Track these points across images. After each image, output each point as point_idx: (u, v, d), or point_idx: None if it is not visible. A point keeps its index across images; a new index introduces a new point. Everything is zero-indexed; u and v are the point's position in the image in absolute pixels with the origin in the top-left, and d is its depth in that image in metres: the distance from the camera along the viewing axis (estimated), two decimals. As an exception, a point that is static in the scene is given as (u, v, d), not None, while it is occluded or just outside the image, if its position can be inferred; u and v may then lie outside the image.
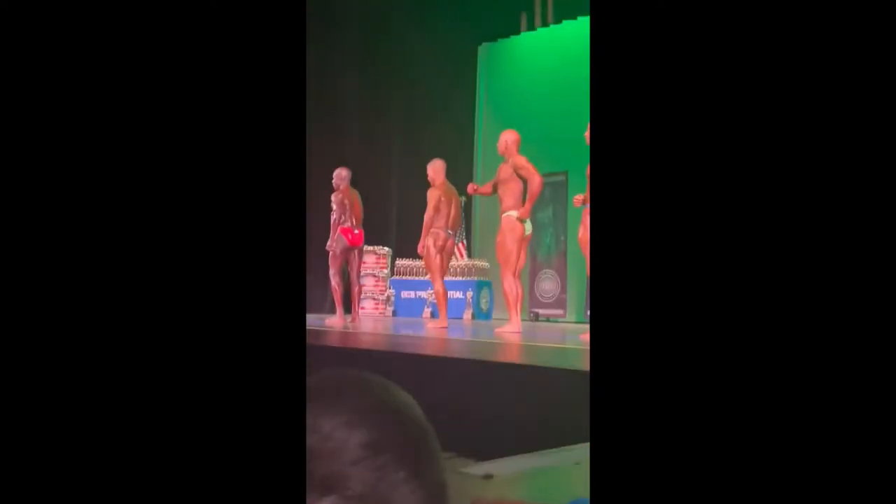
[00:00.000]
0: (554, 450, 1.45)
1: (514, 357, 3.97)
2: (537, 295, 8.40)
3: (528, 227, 5.12)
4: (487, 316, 8.04)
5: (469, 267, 8.14)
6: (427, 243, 5.55)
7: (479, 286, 8.04)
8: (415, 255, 7.45)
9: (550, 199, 8.01)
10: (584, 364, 3.82)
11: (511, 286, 5.03)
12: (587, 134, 4.81)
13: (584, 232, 4.67)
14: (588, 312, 7.65)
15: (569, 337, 5.26)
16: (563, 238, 8.28)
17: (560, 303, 8.36)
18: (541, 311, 8.37)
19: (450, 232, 5.63)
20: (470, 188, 5.79)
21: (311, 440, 0.51)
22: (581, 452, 1.56)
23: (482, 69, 9.74)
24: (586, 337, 4.63)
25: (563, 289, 8.34)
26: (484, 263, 8.21)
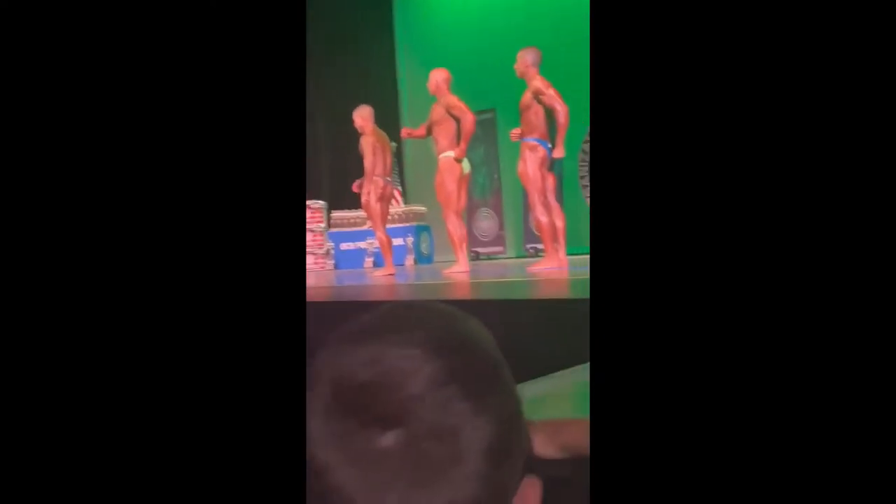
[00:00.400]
0: (557, 373, 1.48)
1: (466, 295, 4.01)
2: (475, 234, 8.45)
3: (467, 165, 5.11)
4: (429, 260, 8.06)
5: (406, 213, 8.11)
6: (367, 192, 5.49)
7: (419, 231, 8.03)
8: (350, 206, 7.36)
9: (481, 138, 8.00)
10: (537, 293, 3.89)
11: (455, 227, 5.04)
12: (517, 66, 4.79)
13: (523, 166, 4.70)
14: (527, 246, 7.78)
15: (515, 271, 5.33)
16: (496, 176, 8.31)
17: (499, 240, 8.44)
18: (480, 250, 8.45)
19: (388, 179, 5.57)
20: (404, 132, 5.71)
21: (372, 374, 0.49)
22: (583, 373, 1.59)
23: (399, 9, 9.54)
24: (534, 269, 4.70)
25: (501, 226, 8.42)
26: (421, 208, 8.19)
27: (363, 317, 0.55)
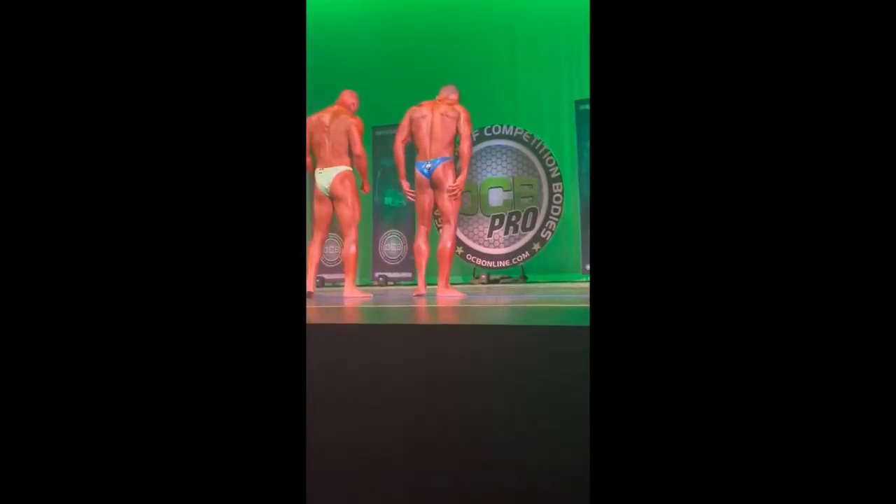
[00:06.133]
0: None
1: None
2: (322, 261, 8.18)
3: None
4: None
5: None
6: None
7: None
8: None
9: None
10: (417, 318, 3.78)
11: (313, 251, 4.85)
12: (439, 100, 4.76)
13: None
14: (375, 274, 7.65)
15: (404, 296, 5.17)
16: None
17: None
18: (326, 277, 8.18)
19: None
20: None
21: None
22: None
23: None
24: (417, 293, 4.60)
25: (349, 252, 8.22)
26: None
27: None
